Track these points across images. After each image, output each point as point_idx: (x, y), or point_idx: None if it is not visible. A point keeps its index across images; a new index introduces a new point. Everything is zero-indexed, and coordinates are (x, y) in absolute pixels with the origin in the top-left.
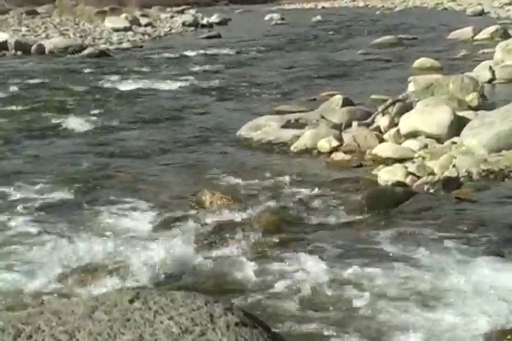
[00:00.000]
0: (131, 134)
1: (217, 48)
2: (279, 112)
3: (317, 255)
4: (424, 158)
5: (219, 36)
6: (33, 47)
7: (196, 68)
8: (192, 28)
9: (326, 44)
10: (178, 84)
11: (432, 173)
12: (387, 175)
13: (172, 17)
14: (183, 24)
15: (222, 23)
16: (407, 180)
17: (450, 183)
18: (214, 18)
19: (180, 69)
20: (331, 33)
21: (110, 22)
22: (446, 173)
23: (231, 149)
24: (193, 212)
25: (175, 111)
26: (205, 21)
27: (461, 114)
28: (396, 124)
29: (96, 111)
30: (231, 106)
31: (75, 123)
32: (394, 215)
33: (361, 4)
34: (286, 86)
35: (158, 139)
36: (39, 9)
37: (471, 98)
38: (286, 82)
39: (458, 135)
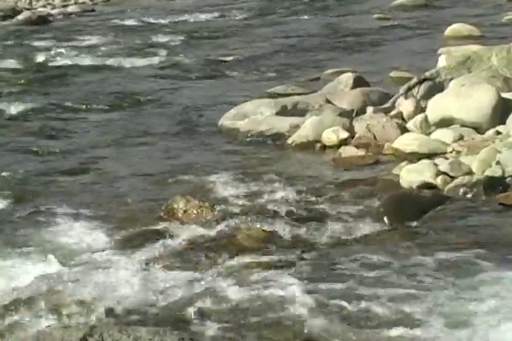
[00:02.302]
0: (80, 124)
1: (192, 12)
2: (272, 95)
3: (318, 282)
4: (459, 152)
5: None
6: None
7: (165, 39)
8: None
9: (332, 5)
10: (142, 60)
11: (470, 172)
12: (411, 175)
13: None
14: None
15: None
16: (438, 181)
17: (493, 185)
18: None
19: (144, 40)
20: None
21: None
22: (488, 172)
23: (211, 143)
24: (161, 224)
25: (137, 94)
26: None
27: (507, 95)
28: (423, 110)
29: (33, 96)
30: (210, 87)
31: (4, 110)
32: (420, 227)
33: None
34: (280, 61)
35: (116, 131)
36: None
37: None
38: (280, 56)
39: (503, 123)
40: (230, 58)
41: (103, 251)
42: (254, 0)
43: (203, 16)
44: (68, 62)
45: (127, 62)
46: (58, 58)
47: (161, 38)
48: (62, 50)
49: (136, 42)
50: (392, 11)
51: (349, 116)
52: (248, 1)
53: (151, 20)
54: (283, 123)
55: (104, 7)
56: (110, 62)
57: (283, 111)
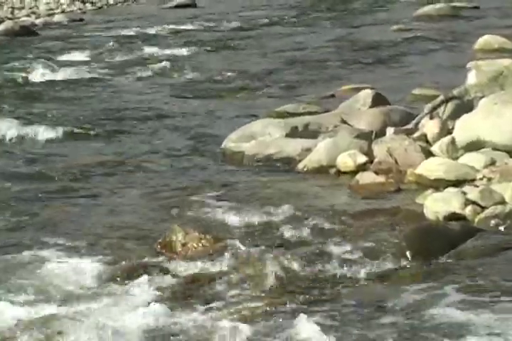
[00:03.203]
0: (70, 146)
1: (191, 23)
2: (281, 115)
3: (332, 329)
4: (490, 179)
5: (193, 5)
6: None
7: (162, 51)
8: None
9: (347, 16)
10: (137, 75)
11: (502, 202)
12: (437, 205)
13: None
14: None
15: None
16: (467, 212)
17: None
18: None
19: (139, 53)
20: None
21: None
22: None
23: (213, 167)
24: (157, 260)
25: (131, 113)
26: None
27: None
28: (450, 131)
29: (17, 113)
30: (212, 105)
31: None
32: (448, 263)
33: None
34: (290, 76)
35: (109, 153)
36: None
37: None
38: (290, 70)
39: None
40: (234, 73)
41: (90, 289)
42: (261, 9)
43: (203, 26)
44: (54, 77)
45: (120, 78)
46: (41, 73)
47: (158, 50)
48: (47, 65)
49: (130, 55)
50: (414, 22)
51: (367, 138)
52: (255, 10)
53: (147, 31)
54: (293, 146)
55: (94, 16)
56: (101, 77)
57: (293, 133)
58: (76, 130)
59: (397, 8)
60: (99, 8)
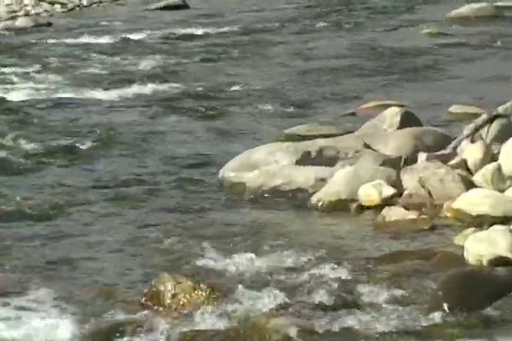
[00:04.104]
0: (37, 177)
1: (181, 27)
2: (290, 138)
3: None
4: None
5: (185, 6)
6: None
7: (147, 62)
8: None
9: (370, 18)
10: (118, 90)
11: None
12: (480, 246)
13: None
14: None
15: None
16: None
17: None
18: None
19: (119, 64)
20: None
21: None
22: None
23: (208, 202)
24: (142, 314)
25: (109, 135)
26: None
27: None
28: (495, 157)
29: None
30: (208, 127)
31: None
32: (494, 317)
33: None
34: (302, 92)
35: (85, 184)
36: None
37: None
38: (302, 85)
39: None
40: (235, 87)
41: None
42: (264, 9)
43: (196, 31)
44: (16, 94)
45: (98, 95)
46: (6, 89)
47: (142, 61)
48: (9, 79)
49: (109, 67)
50: (449, 24)
51: (395, 165)
52: (257, 11)
53: (127, 37)
54: (305, 176)
55: (64, 20)
56: (74, 95)
57: (305, 160)
58: (44, 159)
59: (427, 8)
60: (71, 10)
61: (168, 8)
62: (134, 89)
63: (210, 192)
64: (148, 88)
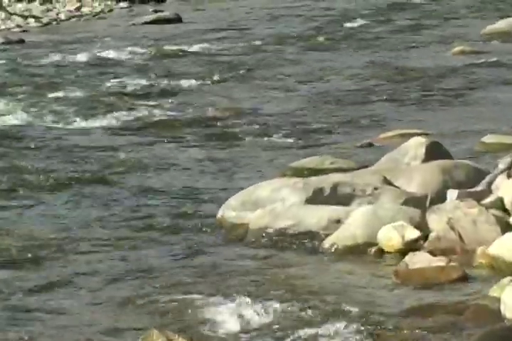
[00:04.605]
0: (9, 218)
1: (174, 43)
2: (299, 172)
3: None
4: None
5: (177, 19)
6: None
7: (135, 84)
8: (124, 4)
9: (390, 34)
10: (101, 118)
11: None
12: None
13: None
14: None
15: None
16: None
17: None
18: None
19: (101, 87)
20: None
21: None
22: None
23: (204, 247)
24: None
25: (93, 170)
26: None
27: None
28: None
29: None
30: (205, 158)
31: None
32: None
33: None
34: (313, 118)
35: (64, 226)
36: None
37: None
38: (313, 110)
39: None
40: (237, 113)
41: None
42: (270, 23)
43: (191, 48)
44: None
45: (79, 123)
46: None
47: (129, 82)
48: None
49: (91, 90)
50: (483, 42)
51: (420, 205)
52: (261, 24)
53: (112, 55)
54: (317, 217)
55: (38, 36)
56: (53, 122)
57: (316, 198)
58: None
59: (459, 23)
60: (46, 24)
61: (158, 22)
62: (120, 115)
63: (207, 234)
64: (137, 113)
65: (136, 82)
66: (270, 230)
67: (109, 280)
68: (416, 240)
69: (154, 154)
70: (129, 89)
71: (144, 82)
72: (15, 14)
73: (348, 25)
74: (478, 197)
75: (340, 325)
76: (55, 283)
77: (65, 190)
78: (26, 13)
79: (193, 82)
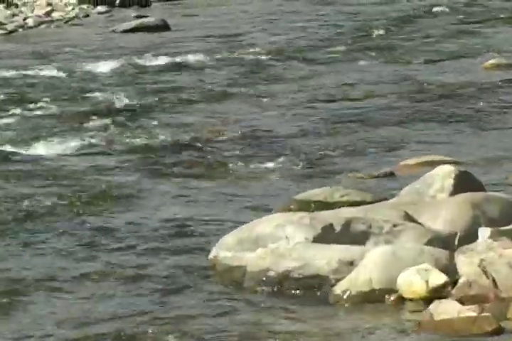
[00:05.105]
0: None
1: (161, 54)
2: (305, 205)
3: None
4: None
5: (164, 27)
6: None
7: (115, 103)
8: (102, 9)
9: (418, 45)
10: (72, 141)
11: None
12: None
13: None
14: (80, 0)
15: None
16: None
17: None
18: None
19: (74, 104)
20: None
21: None
22: None
23: (193, 293)
24: None
25: (64, 202)
26: None
27: None
28: None
29: None
30: (199, 188)
31: None
32: None
33: None
34: (322, 142)
35: (41, 272)
36: None
37: None
38: (322, 133)
39: None
40: (234, 135)
41: None
42: (275, 32)
43: (181, 59)
44: None
45: (42, 145)
46: None
47: (103, 100)
48: None
49: (59, 108)
50: None
51: (448, 245)
52: (264, 34)
53: (86, 69)
54: (326, 258)
55: (1, 45)
56: (15, 147)
57: (326, 236)
58: None
59: (491, 33)
60: (11, 32)
61: (141, 29)
62: (92, 137)
63: (197, 278)
64: (113, 136)
65: (112, 100)
66: (272, 273)
67: (81, 324)
68: (442, 286)
69: (132, 182)
70: (103, 107)
71: (121, 99)
72: None
73: (365, 33)
74: None
75: None
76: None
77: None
78: None
79: (180, 99)
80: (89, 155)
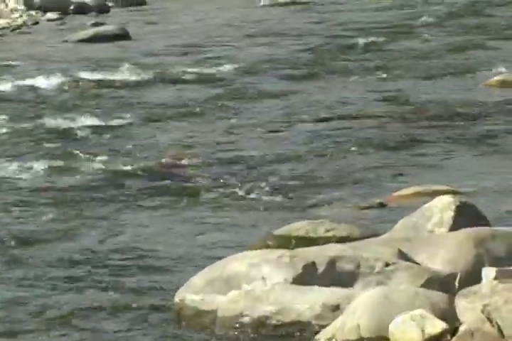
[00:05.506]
0: None
1: (119, 69)
2: (285, 241)
3: None
4: None
5: (124, 35)
6: None
7: (65, 124)
8: (54, 15)
9: (414, 56)
10: (27, 167)
11: None
12: None
13: None
14: (28, 6)
15: (137, 0)
16: None
17: None
18: None
19: (15, 128)
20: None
21: None
22: None
23: (158, 340)
24: None
25: (17, 229)
26: None
27: None
28: None
29: None
30: (158, 221)
31: None
32: None
33: None
34: (308, 169)
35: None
36: None
37: None
38: (309, 158)
39: None
40: (202, 161)
41: None
42: (250, 43)
43: (144, 74)
44: None
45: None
46: None
47: (52, 122)
48: None
49: (14, 130)
50: None
51: (447, 287)
52: (239, 41)
53: (33, 84)
54: (308, 302)
55: None
56: None
57: (308, 276)
58: None
59: (495, 46)
60: None
61: (99, 39)
62: (39, 166)
63: (160, 324)
64: (63, 164)
65: (62, 122)
66: (246, 319)
67: None
68: (440, 335)
69: (91, 215)
70: (52, 131)
71: (72, 121)
72: None
73: (351, 46)
74: None
75: None
76: None
77: None
78: None
79: (142, 118)
80: (36, 189)
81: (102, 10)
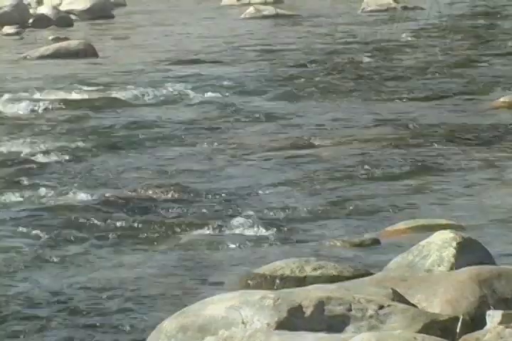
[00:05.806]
0: None
1: (84, 90)
2: (268, 281)
3: None
4: None
5: (89, 52)
6: None
7: (26, 151)
8: (11, 29)
9: (409, 76)
10: None
11: None
12: None
13: None
14: None
15: (104, 13)
16: None
17: None
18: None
19: None
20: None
21: None
22: None
23: None
24: None
25: None
26: (47, 11)
27: None
28: None
29: None
30: (126, 260)
31: None
32: None
33: None
34: (292, 200)
35: None
36: None
37: None
38: (292, 188)
39: None
40: (168, 192)
41: None
42: (230, 60)
43: (109, 96)
44: None
45: None
46: None
47: (16, 145)
48: None
49: None
50: None
51: (447, 332)
52: (217, 57)
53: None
54: None
55: None
56: None
57: (293, 321)
58: None
59: (502, 64)
60: None
61: (62, 55)
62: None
63: None
64: (25, 198)
65: (17, 148)
66: None
67: None
68: None
69: (50, 248)
70: (13, 156)
71: (29, 146)
72: None
73: (343, 62)
74: None
75: None
76: None
77: None
78: None
79: (111, 145)
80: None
81: (65, 23)
